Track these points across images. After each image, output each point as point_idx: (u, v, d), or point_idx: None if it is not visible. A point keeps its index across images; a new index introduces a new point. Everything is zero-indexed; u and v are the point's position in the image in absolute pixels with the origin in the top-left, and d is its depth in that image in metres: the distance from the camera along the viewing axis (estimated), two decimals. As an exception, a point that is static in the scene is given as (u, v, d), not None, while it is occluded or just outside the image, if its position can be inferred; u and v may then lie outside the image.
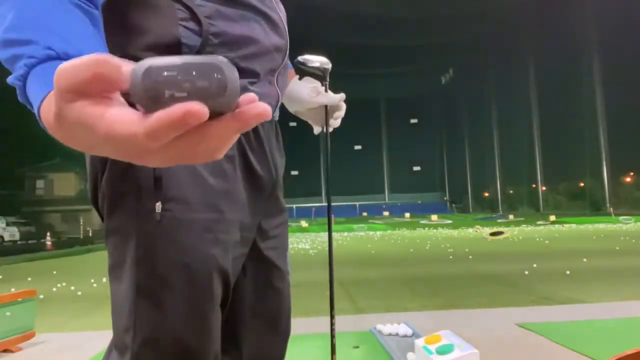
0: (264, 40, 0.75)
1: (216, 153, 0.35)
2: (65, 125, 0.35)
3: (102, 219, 0.70)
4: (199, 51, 0.68)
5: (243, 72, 0.72)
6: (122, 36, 0.67)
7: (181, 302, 0.65)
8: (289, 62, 0.93)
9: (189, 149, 0.34)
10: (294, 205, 51.94)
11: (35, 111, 0.41)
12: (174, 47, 0.67)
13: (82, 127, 0.34)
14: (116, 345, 0.68)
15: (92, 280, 5.65)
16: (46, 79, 0.41)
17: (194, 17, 0.68)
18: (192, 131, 0.32)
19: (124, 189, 0.66)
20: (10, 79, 0.45)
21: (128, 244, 0.65)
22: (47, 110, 0.38)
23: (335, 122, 1.09)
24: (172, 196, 0.65)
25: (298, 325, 2.95)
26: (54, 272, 7.06)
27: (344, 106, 1.08)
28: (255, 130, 0.77)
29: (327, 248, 10.98)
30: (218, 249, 0.68)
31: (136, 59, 0.31)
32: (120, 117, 0.33)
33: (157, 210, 0.64)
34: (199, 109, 0.30)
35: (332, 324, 1.27)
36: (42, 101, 0.40)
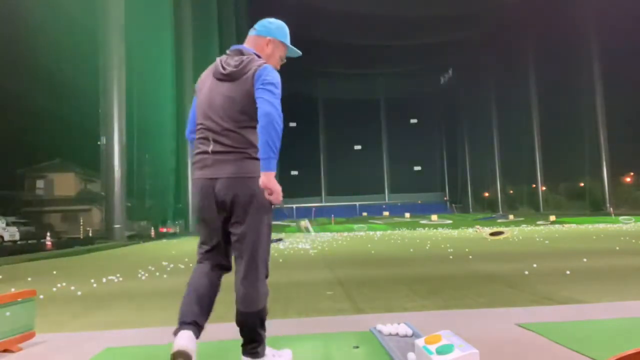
0: None
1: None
2: None
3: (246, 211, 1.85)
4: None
5: None
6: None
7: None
8: None
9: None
10: (294, 205, 51.89)
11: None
12: None
13: None
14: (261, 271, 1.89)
15: (92, 280, 5.65)
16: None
17: None
18: None
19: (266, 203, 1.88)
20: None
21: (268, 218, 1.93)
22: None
23: None
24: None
25: (297, 325, 2.95)
26: (54, 272, 7.06)
27: None
28: None
29: (327, 248, 10.85)
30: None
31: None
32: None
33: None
34: None
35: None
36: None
